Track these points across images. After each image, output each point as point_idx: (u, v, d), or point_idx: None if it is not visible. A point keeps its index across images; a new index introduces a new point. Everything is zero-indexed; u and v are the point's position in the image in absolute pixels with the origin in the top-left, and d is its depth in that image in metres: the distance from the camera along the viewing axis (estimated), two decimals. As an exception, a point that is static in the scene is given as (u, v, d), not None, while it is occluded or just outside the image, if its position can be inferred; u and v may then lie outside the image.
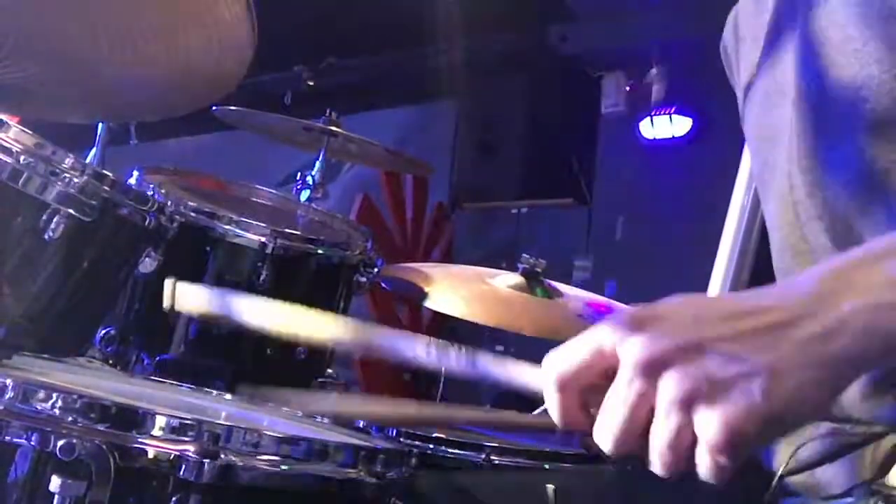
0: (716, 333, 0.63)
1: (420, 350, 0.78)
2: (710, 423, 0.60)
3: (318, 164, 2.70)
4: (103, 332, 1.70)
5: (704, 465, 0.62)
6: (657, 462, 0.63)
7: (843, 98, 0.87)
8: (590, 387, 0.66)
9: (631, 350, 0.63)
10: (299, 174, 2.66)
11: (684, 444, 0.62)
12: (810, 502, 0.91)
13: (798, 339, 0.62)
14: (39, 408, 0.92)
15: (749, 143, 1.10)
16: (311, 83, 5.54)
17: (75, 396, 0.93)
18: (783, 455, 0.93)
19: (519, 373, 0.74)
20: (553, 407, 0.67)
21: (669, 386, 0.61)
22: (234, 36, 1.65)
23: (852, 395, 0.83)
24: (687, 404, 0.61)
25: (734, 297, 0.69)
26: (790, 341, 0.62)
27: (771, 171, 0.99)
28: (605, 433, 0.65)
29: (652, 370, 0.62)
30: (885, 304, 0.62)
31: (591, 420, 0.66)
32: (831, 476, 0.89)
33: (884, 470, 0.85)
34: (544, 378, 0.67)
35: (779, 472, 0.92)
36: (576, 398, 0.67)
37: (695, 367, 0.61)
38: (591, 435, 0.67)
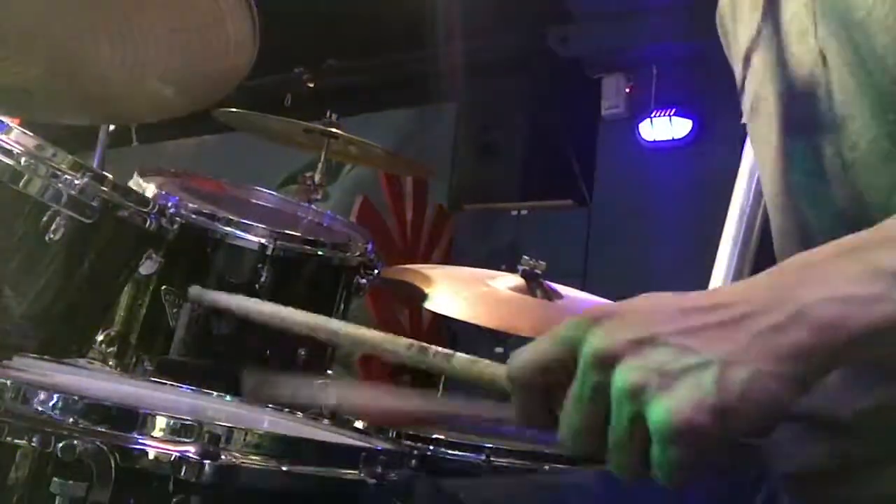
0: (671, 328, 0.61)
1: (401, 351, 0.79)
2: (656, 412, 0.58)
3: (318, 165, 2.70)
4: (104, 333, 1.71)
5: (657, 460, 0.60)
6: (614, 460, 0.62)
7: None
8: (553, 387, 0.65)
9: (586, 346, 0.63)
10: (299, 176, 2.66)
11: (638, 439, 0.60)
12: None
13: (754, 331, 0.60)
14: (40, 409, 0.92)
15: (746, 116, 1.08)
16: (311, 85, 5.53)
17: (76, 398, 0.94)
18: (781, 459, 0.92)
19: (489, 372, 0.73)
20: (516, 407, 0.67)
21: (620, 377, 0.60)
22: (236, 37, 1.65)
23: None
24: (636, 394, 0.59)
25: (696, 294, 0.66)
26: (745, 334, 0.60)
27: (765, 146, 0.97)
28: (566, 432, 0.64)
29: (604, 364, 0.61)
30: (852, 297, 0.60)
31: (555, 420, 0.66)
32: (855, 489, 0.86)
33: None
34: (508, 379, 0.67)
35: (788, 473, 0.92)
36: (538, 398, 0.66)
37: (646, 359, 0.60)
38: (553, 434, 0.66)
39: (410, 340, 0.80)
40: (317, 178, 2.65)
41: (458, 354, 0.76)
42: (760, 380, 0.58)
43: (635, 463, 0.61)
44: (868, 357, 0.64)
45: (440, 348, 0.78)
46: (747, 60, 1.02)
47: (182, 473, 0.89)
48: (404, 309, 4.97)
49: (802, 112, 0.86)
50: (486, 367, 0.74)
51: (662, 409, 0.58)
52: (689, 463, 0.59)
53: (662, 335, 0.61)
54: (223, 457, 0.91)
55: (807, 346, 0.59)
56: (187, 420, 0.95)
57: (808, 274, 0.63)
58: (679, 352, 0.60)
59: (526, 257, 1.97)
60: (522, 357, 0.67)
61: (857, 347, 0.61)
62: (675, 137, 4.71)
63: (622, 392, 0.60)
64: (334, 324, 0.93)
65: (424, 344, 0.79)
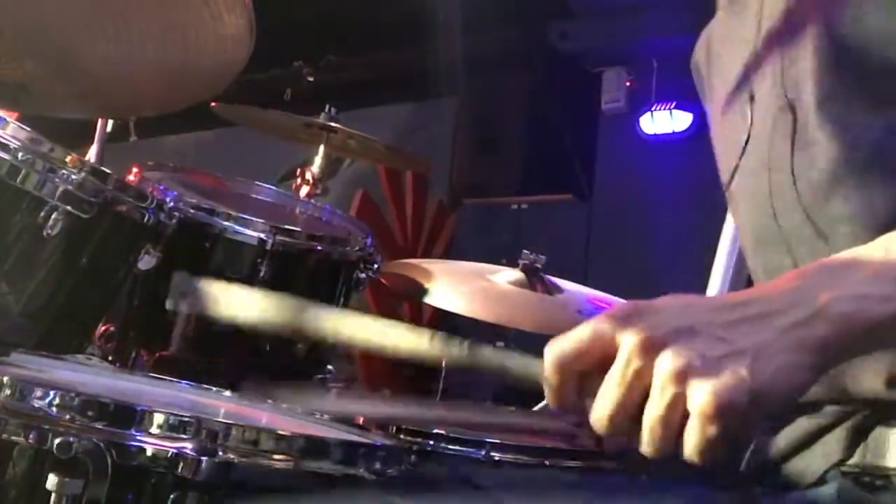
0: (707, 320, 0.69)
1: (425, 343, 0.80)
2: (701, 393, 0.65)
3: (317, 160, 2.69)
4: (102, 329, 1.70)
5: (694, 439, 0.66)
6: (648, 439, 0.68)
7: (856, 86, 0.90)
8: (587, 373, 0.70)
9: (629, 334, 0.68)
10: (299, 170, 2.65)
11: (676, 419, 0.66)
12: (787, 495, 0.94)
13: (781, 325, 0.68)
14: (37, 405, 0.92)
15: (719, 149, 1.14)
16: (310, 79, 5.52)
17: (73, 394, 0.93)
18: (765, 447, 0.95)
19: (519, 363, 0.77)
20: (550, 389, 0.72)
21: (665, 362, 0.66)
22: (233, 31, 1.65)
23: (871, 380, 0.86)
24: (681, 378, 0.65)
25: (724, 295, 0.75)
26: (774, 328, 0.68)
27: (744, 175, 1.03)
28: (601, 413, 0.69)
29: (649, 350, 0.67)
30: (866, 296, 0.70)
31: (585, 405, 0.71)
32: (805, 464, 0.93)
33: (850, 451, 0.90)
34: (544, 361, 0.72)
35: (762, 465, 0.95)
36: (573, 382, 0.71)
37: (688, 347, 0.66)
38: (584, 419, 0.71)
39: (432, 331, 0.82)
40: (316, 172, 2.64)
41: (484, 347, 0.80)
42: (787, 368, 0.66)
43: (668, 441, 0.67)
44: (879, 347, 0.75)
45: (465, 341, 0.81)
46: (728, 100, 1.09)
47: (179, 470, 0.89)
48: (404, 304, 4.96)
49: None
50: (516, 358, 0.78)
51: (706, 391, 0.65)
52: (724, 440, 0.65)
53: (700, 326, 0.68)
54: (221, 454, 0.91)
55: (827, 339, 0.68)
56: (185, 417, 0.95)
57: (826, 277, 0.73)
58: (716, 341, 0.67)
59: (526, 251, 1.97)
60: (561, 343, 0.71)
61: (871, 339, 0.70)
62: (676, 131, 4.70)
63: (667, 375, 0.66)
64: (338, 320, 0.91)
65: (448, 336, 0.81)
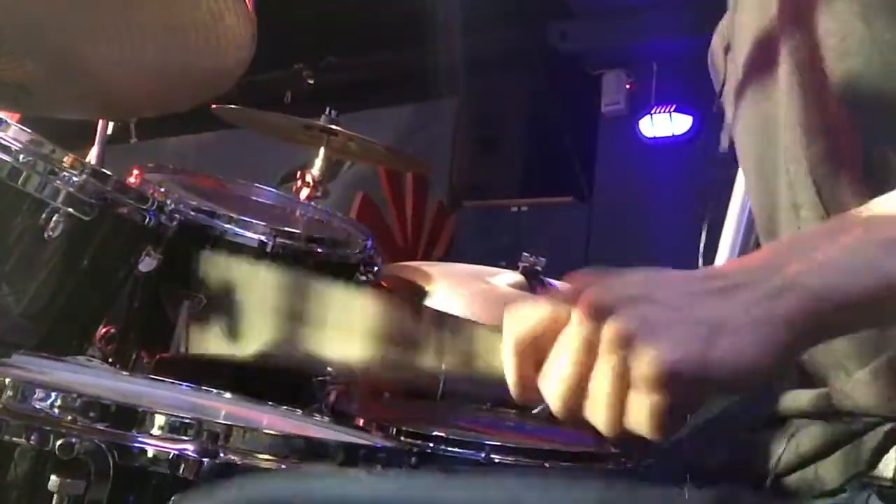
0: (668, 291, 0.64)
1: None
2: (644, 357, 0.60)
3: (318, 162, 2.69)
4: (102, 330, 1.70)
5: (636, 406, 0.61)
6: (597, 414, 0.63)
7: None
8: (546, 352, 0.66)
9: (582, 301, 0.64)
10: (299, 173, 2.66)
11: (622, 391, 0.62)
12: (804, 501, 0.92)
13: (745, 299, 0.63)
14: (38, 407, 0.92)
15: (738, 141, 1.12)
16: (311, 81, 5.52)
17: (74, 395, 0.93)
18: (776, 453, 0.94)
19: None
20: (510, 373, 0.67)
21: (611, 325, 0.62)
22: (234, 33, 1.65)
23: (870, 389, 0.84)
24: (625, 343, 0.61)
25: (697, 270, 0.70)
26: (737, 301, 0.63)
27: (763, 165, 1.01)
28: (553, 392, 0.65)
29: (598, 315, 0.63)
30: (839, 268, 0.64)
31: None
32: (825, 471, 0.91)
33: (874, 461, 0.86)
34: (503, 344, 0.67)
35: (773, 472, 0.93)
36: (532, 364, 0.67)
37: (639, 313, 0.62)
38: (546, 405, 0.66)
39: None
40: (317, 174, 2.64)
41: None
42: (745, 345, 0.61)
43: (617, 417, 0.62)
44: (856, 326, 0.69)
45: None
46: (740, 90, 1.06)
47: (180, 471, 0.89)
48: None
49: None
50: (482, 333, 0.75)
51: (649, 356, 0.60)
52: (669, 411, 0.61)
53: (658, 295, 0.63)
54: (222, 455, 0.91)
55: (796, 314, 0.62)
56: (186, 418, 0.95)
57: (798, 249, 0.67)
58: (671, 310, 0.62)
59: (526, 254, 1.97)
60: (515, 322, 0.67)
61: (845, 315, 0.64)
62: (676, 134, 4.70)
63: (612, 340, 0.62)
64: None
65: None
